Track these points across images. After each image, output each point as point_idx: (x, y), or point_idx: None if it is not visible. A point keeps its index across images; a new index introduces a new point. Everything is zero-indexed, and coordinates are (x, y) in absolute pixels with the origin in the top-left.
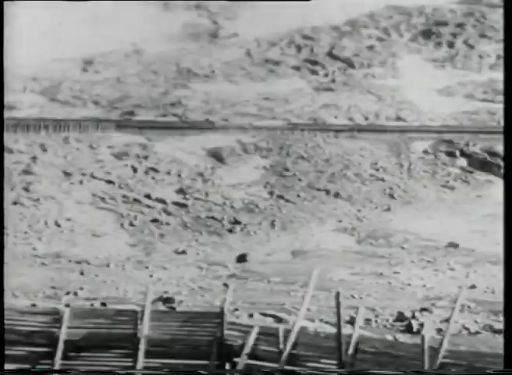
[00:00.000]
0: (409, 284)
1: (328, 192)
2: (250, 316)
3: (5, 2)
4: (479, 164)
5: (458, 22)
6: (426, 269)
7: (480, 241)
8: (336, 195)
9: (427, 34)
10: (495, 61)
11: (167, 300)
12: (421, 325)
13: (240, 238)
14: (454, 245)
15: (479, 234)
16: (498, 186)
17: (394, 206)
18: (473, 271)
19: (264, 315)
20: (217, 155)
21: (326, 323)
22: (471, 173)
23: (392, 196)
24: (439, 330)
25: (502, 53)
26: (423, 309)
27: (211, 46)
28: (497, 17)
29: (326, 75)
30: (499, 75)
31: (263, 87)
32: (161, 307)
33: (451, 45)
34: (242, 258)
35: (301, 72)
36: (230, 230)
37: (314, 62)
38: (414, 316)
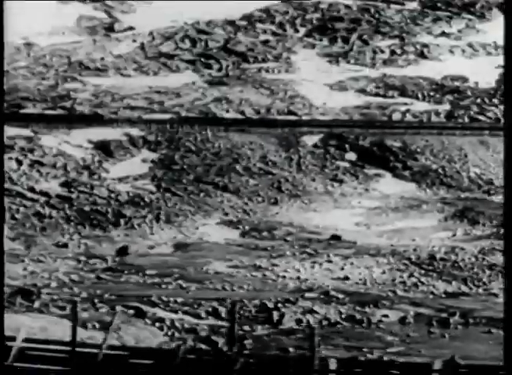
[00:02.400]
0: (284, 276)
1: (215, 185)
2: (112, 308)
3: (4, 2)
4: (368, 158)
5: (353, 17)
6: (304, 262)
7: (363, 234)
8: (224, 189)
9: (322, 30)
10: (388, 56)
11: (25, 292)
12: (282, 316)
13: (123, 231)
14: (337, 238)
15: (363, 227)
16: (386, 179)
17: (281, 199)
18: (349, 263)
19: (127, 307)
20: (104, 149)
21: (189, 314)
22: (360, 166)
23: (280, 189)
24: (299, 321)
25: (396, 49)
26: (287, 300)
27: (106, 39)
28: (392, 13)
29: (220, 69)
30: (392, 70)
31: (155, 80)
32: (19, 300)
33: (346, 40)
34: (122, 251)
35: (195, 66)
36: (114, 224)
37: (208, 56)
38: (276, 307)
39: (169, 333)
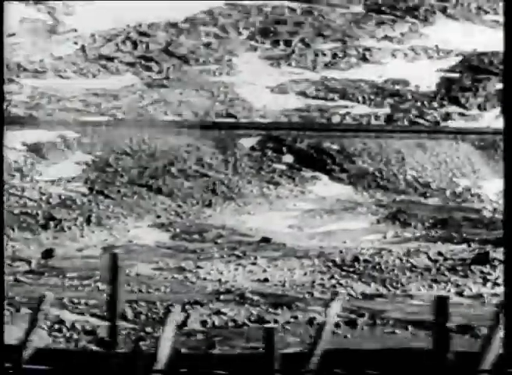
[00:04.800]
0: (205, 279)
1: (149, 188)
2: (17, 310)
3: (4, 2)
4: (305, 160)
5: (296, 20)
6: (229, 264)
7: (294, 236)
8: (158, 191)
9: (265, 32)
10: (330, 59)
11: None
12: (187, 317)
13: (52, 234)
14: (266, 240)
15: (296, 229)
16: (323, 182)
17: (215, 202)
18: (274, 265)
19: (33, 309)
20: (38, 151)
21: (96, 316)
22: (297, 169)
23: (214, 192)
24: (204, 323)
25: (337, 52)
26: (196, 302)
27: (47, 41)
28: (335, 16)
29: (160, 71)
30: (333, 73)
31: (94, 82)
32: None
33: (288, 43)
34: (47, 254)
35: (135, 68)
36: (44, 226)
37: (149, 59)
38: (184, 309)
39: (68, 334)
